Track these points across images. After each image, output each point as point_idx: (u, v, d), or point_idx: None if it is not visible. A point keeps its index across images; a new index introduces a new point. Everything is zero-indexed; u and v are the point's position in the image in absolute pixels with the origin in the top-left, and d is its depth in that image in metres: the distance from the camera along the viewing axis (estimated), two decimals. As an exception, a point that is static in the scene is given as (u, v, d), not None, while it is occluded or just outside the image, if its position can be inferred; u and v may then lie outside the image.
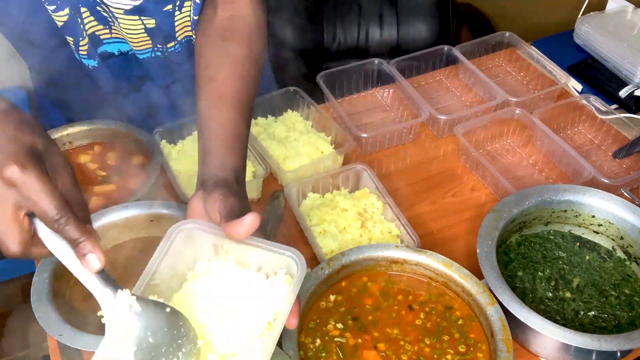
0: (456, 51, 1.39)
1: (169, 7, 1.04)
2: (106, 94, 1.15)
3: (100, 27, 1.05)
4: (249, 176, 1.13)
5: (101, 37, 1.07)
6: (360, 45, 2.05)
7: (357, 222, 1.04)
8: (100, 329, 0.84)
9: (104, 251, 0.80)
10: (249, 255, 0.72)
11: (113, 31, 1.07)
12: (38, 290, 0.85)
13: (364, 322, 0.87)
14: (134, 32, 1.06)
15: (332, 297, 0.90)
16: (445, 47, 1.41)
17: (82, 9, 1.01)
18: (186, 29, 1.10)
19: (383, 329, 0.87)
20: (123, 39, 1.09)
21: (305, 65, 2.02)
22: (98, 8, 1.02)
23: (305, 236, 1.03)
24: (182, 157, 1.14)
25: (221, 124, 0.83)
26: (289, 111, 1.26)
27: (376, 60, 1.36)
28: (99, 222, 0.94)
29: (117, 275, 0.91)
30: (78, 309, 0.87)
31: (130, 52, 1.12)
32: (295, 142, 1.17)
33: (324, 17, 2.01)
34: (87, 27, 1.04)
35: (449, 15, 2.06)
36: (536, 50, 1.41)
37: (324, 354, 0.83)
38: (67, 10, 0.99)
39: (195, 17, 1.04)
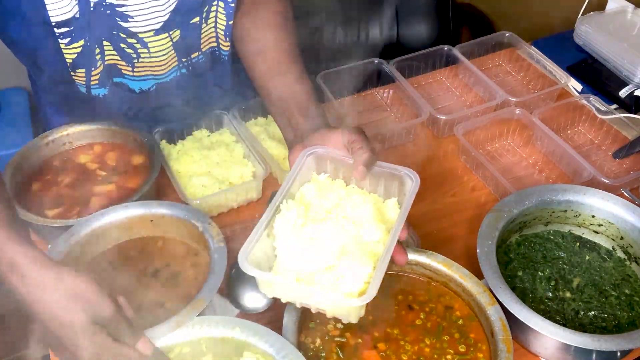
0: (456, 51, 1.39)
1: (197, 19, 1.04)
2: (112, 116, 1.15)
3: (124, 63, 1.05)
4: (249, 176, 1.13)
5: (123, 71, 1.07)
6: (360, 45, 2.05)
7: (357, 222, 1.04)
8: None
9: (104, 251, 0.83)
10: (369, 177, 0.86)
11: (136, 69, 1.06)
12: (38, 290, 0.85)
13: (364, 322, 0.87)
14: (162, 54, 1.05)
15: (332, 297, 0.90)
16: (445, 47, 1.41)
17: (105, 43, 1.00)
18: (211, 39, 1.10)
19: (383, 329, 0.87)
20: (147, 75, 1.08)
21: (305, 65, 2.02)
22: (122, 45, 1.01)
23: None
24: (182, 157, 1.14)
25: (291, 90, 0.97)
26: (289, 111, 1.26)
27: (376, 60, 1.36)
28: (99, 222, 0.94)
29: (117, 275, 0.91)
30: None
31: (152, 89, 1.11)
32: (295, 142, 1.17)
33: (324, 17, 2.01)
34: (106, 58, 1.03)
35: (449, 15, 2.06)
36: (536, 50, 1.41)
37: (324, 354, 0.83)
38: (81, 42, 0.98)
39: (230, 22, 1.06)
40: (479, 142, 1.23)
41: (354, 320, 0.78)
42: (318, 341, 0.85)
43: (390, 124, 1.30)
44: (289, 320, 0.83)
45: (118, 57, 1.04)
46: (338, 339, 0.85)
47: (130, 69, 1.06)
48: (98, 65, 1.03)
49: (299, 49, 1.04)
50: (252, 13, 1.06)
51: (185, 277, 0.92)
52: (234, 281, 0.96)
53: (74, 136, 1.13)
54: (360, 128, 0.87)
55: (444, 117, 1.23)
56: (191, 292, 0.87)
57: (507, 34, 1.45)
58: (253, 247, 0.77)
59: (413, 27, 2.05)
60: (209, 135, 1.20)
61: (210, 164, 1.13)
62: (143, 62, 1.06)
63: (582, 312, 0.91)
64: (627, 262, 0.98)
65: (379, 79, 1.38)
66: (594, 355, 0.83)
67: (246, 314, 0.93)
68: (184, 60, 1.10)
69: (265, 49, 1.02)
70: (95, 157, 1.12)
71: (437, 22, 2.05)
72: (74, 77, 1.05)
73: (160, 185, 1.10)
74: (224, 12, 1.06)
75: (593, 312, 0.91)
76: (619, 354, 0.85)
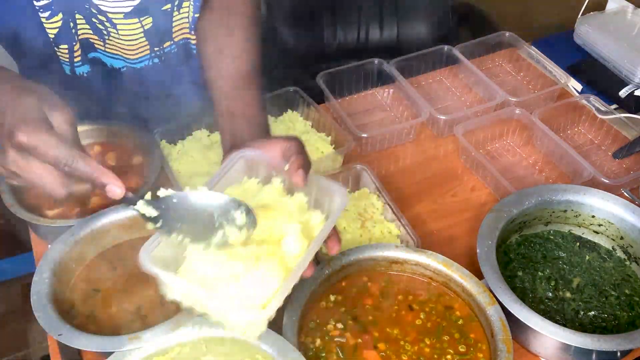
0: (456, 51, 1.39)
1: (168, 6, 1.03)
2: (99, 101, 1.14)
3: (96, 37, 1.04)
4: (249, 176, 1.12)
5: (95, 45, 1.06)
6: (360, 45, 2.04)
7: (357, 222, 1.04)
8: (99, 329, 0.84)
9: (104, 251, 0.82)
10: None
11: (107, 45, 1.06)
12: (38, 290, 0.85)
13: (364, 322, 0.87)
14: (132, 38, 1.05)
15: (332, 297, 0.90)
16: (445, 47, 1.41)
17: (77, 16, 1.00)
18: (184, 30, 1.10)
19: (383, 329, 0.87)
20: (117, 54, 1.07)
21: (305, 65, 2.02)
22: (94, 19, 1.01)
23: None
24: (182, 157, 1.14)
25: (240, 96, 0.96)
26: (289, 111, 1.26)
27: (376, 60, 1.36)
28: (99, 222, 0.94)
29: (117, 274, 0.91)
30: (78, 308, 0.87)
31: (122, 69, 1.10)
32: (295, 142, 1.17)
33: (324, 17, 2.00)
34: (79, 32, 1.02)
35: (449, 16, 2.06)
36: (536, 50, 1.41)
37: (324, 354, 0.83)
38: (60, 16, 0.98)
39: (196, 15, 1.04)
40: (479, 142, 1.23)
41: (252, 337, 0.72)
42: (318, 341, 0.85)
43: (390, 124, 1.30)
44: (289, 320, 0.83)
45: (90, 31, 1.03)
46: (338, 339, 0.85)
47: (102, 43, 1.05)
48: (76, 40, 1.03)
49: (260, 58, 1.02)
50: (219, 11, 1.04)
51: (185, 277, 0.91)
52: (234, 281, 0.96)
53: (74, 136, 1.13)
54: (297, 137, 0.84)
55: (444, 117, 1.23)
56: (191, 292, 0.87)
57: (507, 34, 1.45)
58: (159, 244, 0.71)
59: (413, 27, 2.04)
60: (209, 135, 1.20)
61: (210, 164, 1.13)
62: (113, 41, 1.05)
63: (582, 312, 0.91)
64: (627, 262, 0.98)
65: (379, 79, 1.38)
66: (594, 355, 0.83)
67: (246, 314, 0.93)
68: (155, 49, 1.09)
69: (224, 52, 1.00)
70: (95, 157, 1.12)
71: (436, 22, 2.04)
72: (58, 54, 1.04)
73: (160, 185, 1.09)
74: (194, 4, 1.04)
75: (593, 312, 0.91)
76: (619, 354, 0.85)
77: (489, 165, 1.12)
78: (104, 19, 1.01)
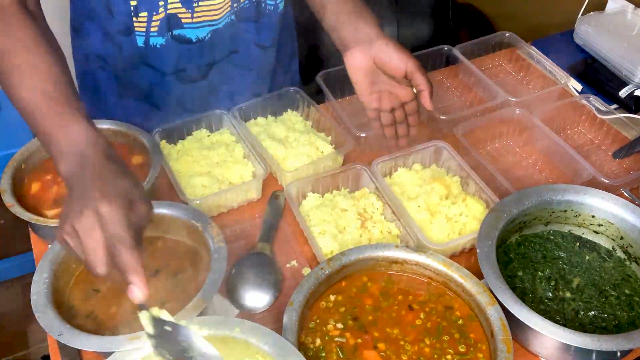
0: (456, 51, 1.39)
1: None
2: (169, 77, 1.17)
3: (183, 9, 1.06)
4: (248, 176, 1.13)
5: (182, 20, 1.08)
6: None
7: (357, 222, 1.04)
8: (98, 329, 0.84)
9: None
10: None
11: (195, 15, 1.08)
12: (38, 290, 0.85)
13: (364, 322, 0.87)
14: None
15: (332, 297, 0.90)
16: (445, 47, 1.41)
17: None
18: None
19: (383, 329, 0.87)
20: (204, 20, 1.09)
21: (306, 65, 2.02)
22: None
23: (305, 236, 1.03)
24: (182, 157, 1.14)
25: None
26: (289, 111, 1.26)
27: (376, 60, 1.35)
28: (99, 222, 0.94)
29: (117, 274, 0.91)
30: (78, 308, 0.87)
31: (207, 37, 1.12)
32: (295, 142, 1.17)
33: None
34: (169, 6, 1.05)
35: (449, 15, 2.06)
36: (536, 50, 1.41)
37: (324, 354, 0.83)
38: None
39: None
40: (479, 142, 1.23)
41: None
42: (318, 341, 0.85)
43: (390, 124, 1.30)
44: (289, 320, 0.83)
45: (179, 4, 1.05)
46: (338, 339, 0.85)
47: (190, 15, 1.07)
48: (160, 12, 1.05)
49: None
50: None
51: (185, 277, 0.92)
52: (234, 281, 0.96)
53: (74, 136, 1.13)
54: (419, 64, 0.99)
55: (444, 117, 1.23)
56: (191, 292, 0.87)
57: (507, 34, 1.45)
58: None
59: (413, 27, 2.05)
60: (209, 135, 1.20)
61: (210, 164, 1.13)
62: (203, 5, 1.07)
63: (582, 312, 0.91)
64: (627, 262, 0.98)
65: (379, 79, 1.38)
66: (594, 355, 0.83)
67: (246, 314, 0.93)
68: (235, 5, 1.12)
69: None
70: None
71: (437, 22, 2.05)
72: (135, 23, 1.06)
73: (160, 185, 1.10)
74: None
75: (593, 312, 0.91)
76: (619, 354, 0.85)
77: (489, 165, 1.12)
78: None
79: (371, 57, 1.02)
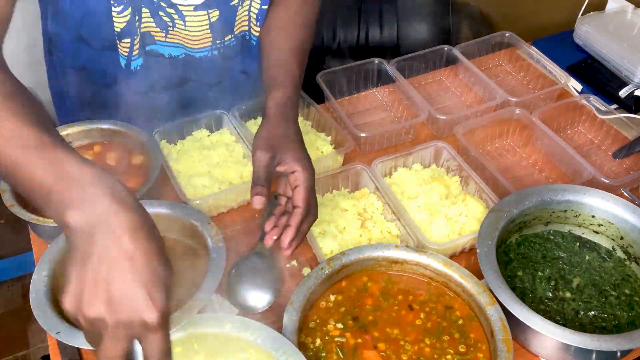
0: (456, 51, 1.39)
1: (236, 0, 1.06)
2: (145, 94, 1.16)
3: (158, 30, 1.06)
4: (248, 176, 1.13)
5: (155, 37, 1.08)
6: (360, 45, 2.04)
7: (357, 222, 1.04)
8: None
9: None
10: None
11: (169, 36, 1.08)
12: (37, 289, 0.85)
13: (364, 322, 0.87)
14: (197, 30, 1.07)
15: (332, 297, 0.90)
16: (445, 47, 1.41)
17: (144, 10, 1.02)
18: (243, 23, 1.12)
19: (383, 329, 0.87)
20: (178, 42, 1.09)
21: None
22: (160, 13, 1.03)
23: (305, 236, 1.03)
24: (182, 157, 1.14)
25: (275, 63, 1.03)
26: (289, 111, 1.26)
27: (376, 60, 1.36)
28: (99, 222, 0.94)
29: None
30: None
31: (180, 57, 1.12)
32: (295, 142, 1.17)
33: (324, 17, 2.00)
34: (142, 25, 1.04)
35: (449, 15, 2.06)
36: (536, 50, 1.41)
37: (324, 354, 0.83)
38: (129, 10, 1.00)
39: (265, 7, 1.08)
40: (479, 142, 1.23)
41: None
42: (318, 341, 0.85)
43: (390, 124, 1.30)
44: (289, 320, 0.83)
45: (153, 24, 1.05)
46: (338, 339, 0.85)
47: (163, 35, 1.07)
48: (138, 34, 1.05)
49: (308, 49, 1.10)
50: (283, 4, 1.10)
51: (185, 277, 0.91)
52: (233, 281, 0.96)
53: (74, 136, 1.13)
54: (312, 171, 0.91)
55: (444, 117, 1.23)
56: (190, 292, 0.87)
57: (507, 34, 1.45)
58: None
59: (413, 27, 2.04)
60: (209, 135, 1.20)
61: (210, 164, 1.13)
62: (177, 32, 1.07)
63: (582, 312, 0.91)
64: (627, 262, 0.98)
65: (379, 79, 1.38)
66: (594, 355, 0.83)
67: (246, 314, 0.93)
68: (217, 42, 1.11)
69: (282, 38, 1.07)
70: (95, 157, 1.12)
71: (436, 22, 2.04)
72: (119, 47, 1.06)
73: (160, 185, 1.10)
74: None
75: (593, 312, 0.91)
76: (619, 354, 0.85)
77: (489, 165, 1.12)
78: (173, 12, 1.03)
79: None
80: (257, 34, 1.13)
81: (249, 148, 1.14)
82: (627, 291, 0.94)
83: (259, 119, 1.24)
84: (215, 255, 0.89)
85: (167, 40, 1.09)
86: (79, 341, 0.79)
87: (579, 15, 1.48)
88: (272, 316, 0.93)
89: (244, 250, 1.02)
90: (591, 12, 1.49)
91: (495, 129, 1.24)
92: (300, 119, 1.24)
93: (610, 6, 1.52)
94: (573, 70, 1.41)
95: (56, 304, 0.84)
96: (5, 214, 1.06)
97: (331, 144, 1.17)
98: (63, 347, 0.87)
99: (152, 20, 1.04)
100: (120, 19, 1.01)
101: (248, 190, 1.09)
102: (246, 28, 1.13)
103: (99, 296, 0.58)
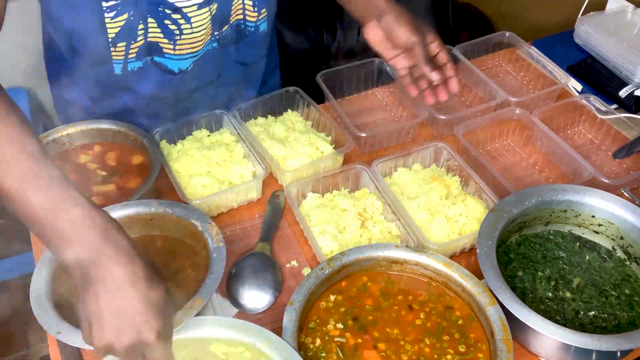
0: (456, 51, 1.39)
1: None
2: (145, 95, 1.16)
3: (166, 41, 1.06)
4: (249, 176, 1.13)
5: (164, 49, 1.08)
6: (360, 45, 2.04)
7: (357, 222, 1.04)
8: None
9: None
10: None
11: (177, 46, 1.07)
12: (37, 288, 0.85)
13: (364, 322, 0.87)
14: (202, 28, 1.07)
15: (332, 297, 0.90)
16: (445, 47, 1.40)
17: (150, 20, 1.02)
18: (238, 11, 1.12)
19: (383, 329, 0.87)
20: (186, 53, 1.09)
21: (305, 65, 2.02)
22: (166, 21, 1.03)
23: (305, 236, 1.03)
24: (182, 157, 1.14)
25: None
26: (289, 111, 1.26)
27: (376, 60, 1.35)
28: (99, 222, 0.93)
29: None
30: (77, 307, 0.87)
31: (189, 69, 1.12)
32: (295, 142, 1.17)
33: (324, 17, 2.00)
34: (149, 35, 1.04)
35: (449, 15, 2.06)
36: (536, 50, 1.41)
37: (324, 354, 0.83)
38: (125, 16, 0.99)
39: None
40: (479, 142, 1.23)
41: None
42: (318, 341, 0.85)
43: (390, 124, 1.30)
44: (289, 321, 0.83)
45: (161, 35, 1.05)
46: (338, 339, 0.85)
47: (172, 46, 1.07)
48: (139, 40, 1.04)
49: None
50: None
51: (184, 277, 0.92)
52: (233, 281, 0.96)
53: (74, 136, 1.13)
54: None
55: (444, 117, 1.23)
56: (190, 292, 0.87)
57: (507, 34, 1.45)
58: None
59: (413, 27, 2.04)
60: (209, 135, 1.20)
61: (210, 164, 1.13)
62: (185, 38, 1.07)
63: (582, 312, 0.91)
64: (627, 262, 0.98)
65: (379, 79, 1.38)
66: (594, 355, 0.83)
67: (246, 314, 0.93)
68: (216, 33, 1.11)
69: None
70: (95, 157, 1.12)
71: (436, 22, 2.04)
72: (112, 53, 1.05)
73: (160, 185, 1.10)
74: None
75: (593, 312, 0.91)
76: (619, 354, 0.85)
77: (489, 165, 1.12)
78: (179, 17, 1.03)
79: (382, 29, 1.08)
80: (253, 19, 1.14)
81: (249, 148, 1.14)
82: (627, 291, 0.94)
83: (259, 119, 1.25)
84: (215, 255, 0.89)
85: (176, 52, 1.08)
86: (79, 341, 0.79)
87: (579, 15, 1.48)
88: (272, 316, 0.93)
89: (244, 250, 1.02)
90: (591, 12, 1.49)
91: (495, 129, 1.24)
92: (300, 119, 1.25)
93: (610, 6, 1.52)
94: (573, 70, 1.41)
95: (57, 304, 0.84)
96: (5, 214, 1.06)
97: (331, 144, 1.17)
98: (63, 347, 0.87)
99: (159, 30, 1.04)
100: (113, 25, 1.00)
101: (248, 190, 1.10)
102: (241, 17, 1.13)
103: (106, 328, 0.71)
